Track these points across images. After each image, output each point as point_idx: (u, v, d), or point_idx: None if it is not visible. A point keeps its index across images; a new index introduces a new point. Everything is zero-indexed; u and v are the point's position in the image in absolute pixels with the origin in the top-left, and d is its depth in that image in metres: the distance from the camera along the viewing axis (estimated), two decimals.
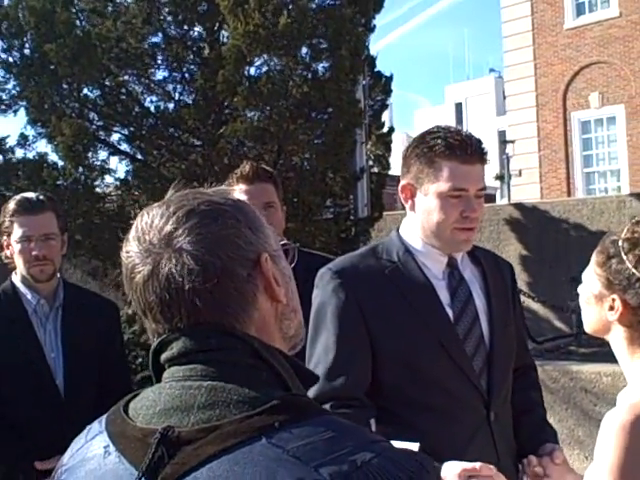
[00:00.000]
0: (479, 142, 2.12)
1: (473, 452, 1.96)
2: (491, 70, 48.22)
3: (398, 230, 2.20)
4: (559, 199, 13.94)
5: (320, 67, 7.69)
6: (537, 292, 8.85)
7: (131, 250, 1.13)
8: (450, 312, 2.10)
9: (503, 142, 22.27)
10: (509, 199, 20.72)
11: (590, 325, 1.77)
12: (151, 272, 1.10)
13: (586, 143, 19.45)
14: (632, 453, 1.49)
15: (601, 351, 7.33)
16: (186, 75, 8.43)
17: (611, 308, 1.70)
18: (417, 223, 2.13)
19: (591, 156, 19.56)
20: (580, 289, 1.78)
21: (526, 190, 19.19)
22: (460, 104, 52.05)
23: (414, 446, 1.68)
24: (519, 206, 10.30)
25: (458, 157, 2.04)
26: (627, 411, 1.54)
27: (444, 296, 2.11)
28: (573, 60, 19.02)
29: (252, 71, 7.65)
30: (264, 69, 7.59)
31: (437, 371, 2.03)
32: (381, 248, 2.17)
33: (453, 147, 2.05)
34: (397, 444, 1.69)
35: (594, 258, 1.74)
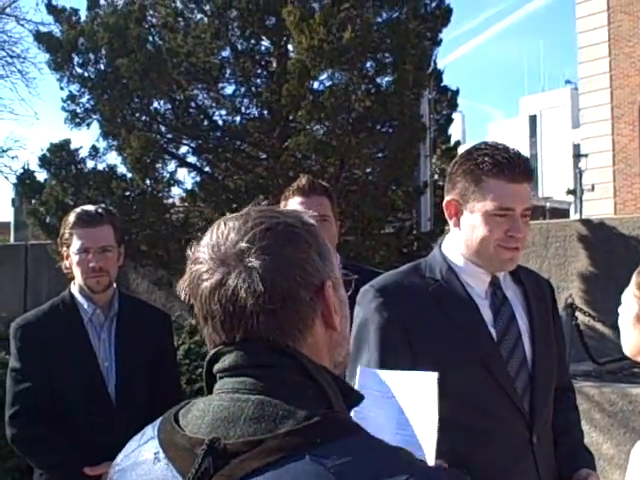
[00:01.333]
0: (526, 160, 2.10)
1: (516, 476, 1.96)
2: (567, 82, 47.26)
3: (441, 247, 2.19)
4: (630, 215, 13.58)
5: (384, 81, 7.70)
6: (604, 311, 8.65)
7: (202, 257, 1.17)
8: (493, 332, 2.08)
9: (577, 156, 21.78)
10: (581, 214, 20.28)
11: (630, 348, 1.76)
12: (220, 282, 1.14)
13: None
14: None
15: None
16: (253, 89, 8.55)
17: None
18: (461, 240, 2.11)
19: None
20: (620, 310, 1.76)
21: (599, 205, 18.77)
22: (534, 116, 51.26)
23: (433, 376, 1.70)
24: (587, 222, 10.08)
25: (505, 176, 2.02)
26: None
27: (487, 315, 2.09)
28: None
29: (316, 85, 7.72)
30: (328, 83, 7.63)
31: (479, 391, 2.00)
32: (424, 265, 2.15)
33: (501, 165, 2.03)
34: (413, 374, 1.72)
35: (634, 279, 1.72)
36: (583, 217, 14.87)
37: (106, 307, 3.16)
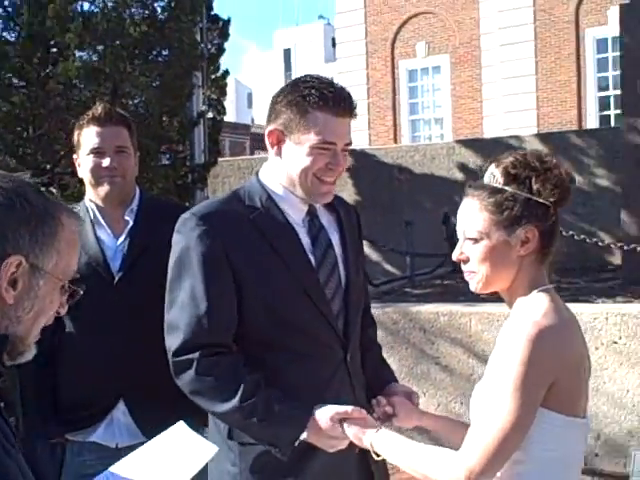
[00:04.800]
0: (350, 96, 2.13)
1: (332, 391, 2.05)
2: (320, 17, 48.38)
3: (258, 175, 2.20)
4: (392, 145, 14.37)
5: (159, 6, 7.38)
6: (369, 236, 9.15)
7: None
8: (312, 258, 2.14)
9: None
10: None
11: (495, 269, 1.77)
12: None
13: (412, 91, 20.13)
14: (537, 363, 1.63)
15: (434, 292, 7.75)
16: (10, 9, 7.83)
17: (524, 242, 1.75)
18: (281, 170, 2.13)
19: (417, 104, 20.29)
20: (474, 246, 1.78)
21: (355, 137, 19.66)
22: (289, 50, 52.07)
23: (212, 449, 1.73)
24: (351, 152, 10.51)
25: (331, 109, 2.04)
26: (532, 326, 1.65)
27: (306, 243, 2.15)
28: (402, 9, 19.50)
29: (86, 6, 7.22)
30: (100, 5, 7.17)
31: (299, 315, 2.07)
32: (243, 194, 2.16)
33: (327, 99, 2.03)
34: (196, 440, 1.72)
35: (482, 203, 1.76)
36: None
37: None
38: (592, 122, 17.41)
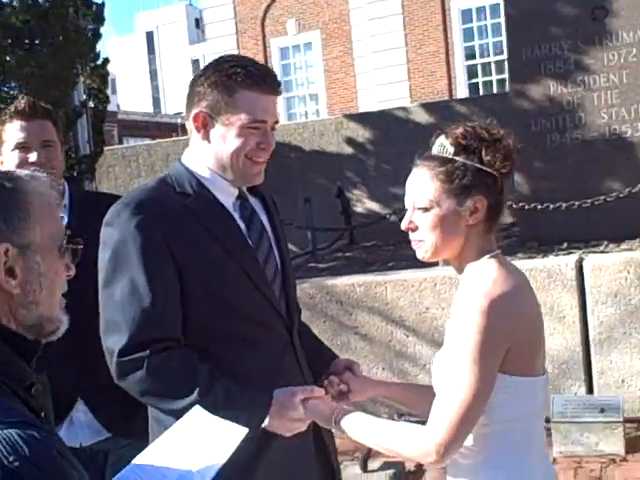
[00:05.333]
0: (275, 73, 2.12)
1: (283, 374, 2.04)
2: None
3: (182, 161, 2.13)
4: (279, 124, 14.35)
5: None
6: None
7: None
8: (249, 241, 2.11)
9: None
10: None
11: (444, 238, 1.81)
12: None
13: (285, 69, 20.18)
14: (491, 333, 1.68)
15: (338, 264, 7.88)
16: None
17: (473, 212, 1.80)
18: (209, 153, 2.07)
19: (291, 82, 20.37)
20: (424, 215, 1.81)
21: None
22: (151, 33, 50.87)
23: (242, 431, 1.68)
24: None
25: (259, 87, 2.00)
26: (483, 297, 1.70)
27: (241, 226, 2.12)
28: None
29: None
30: None
31: (243, 299, 2.03)
32: (170, 180, 2.09)
33: (254, 77, 2.00)
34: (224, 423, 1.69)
35: (432, 172, 1.80)
36: None
37: None
38: (462, 91, 18.02)
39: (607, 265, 4.74)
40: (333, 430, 1.97)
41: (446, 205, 1.79)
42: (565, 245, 5.95)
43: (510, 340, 1.71)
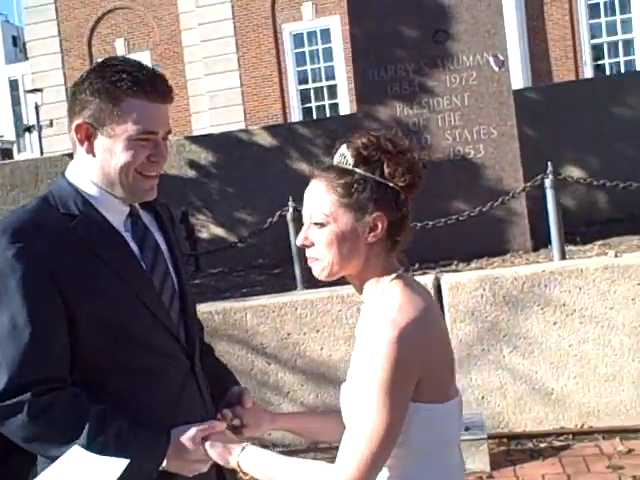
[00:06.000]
0: (166, 78, 1.93)
1: (184, 407, 1.89)
2: None
3: (65, 176, 1.92)
4: None
5: None
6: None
7: None
8: (143, 264, 1.93)
9: (31, 91, 21.11)
10: (41, 152, 19.90)
11: (341, 256, 1.67)
12: None
13: None
14: (401, 364, 1.57)
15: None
16: None
17: (372, 229, 1.67)
18: (94, 168, 1.88)
19: None
20: (320, 231, 1.68)
21: (59, 141, 18.60)
22: None
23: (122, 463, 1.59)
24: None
25: (148, 95, 1.83)
26: (391, 326, 1.58)
27: (134, 248, 1.93)
28: (96, 5, 18.80)
29: None
30: None
31: (138, 328, 1.86)
32: (53, 200, 1.87)
33: (143, 84, 1.83)
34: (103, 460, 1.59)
35: (330, 185, 1.66)
36: (45, 154, 14.53)
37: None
38: (295, 115, 18.19)
39: (464, 283, 4.81)
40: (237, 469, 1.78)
41: (343, 221, 1.65)
42: (417, 265, 6.01)
43: (421, 369, 1.61)
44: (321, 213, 1.65)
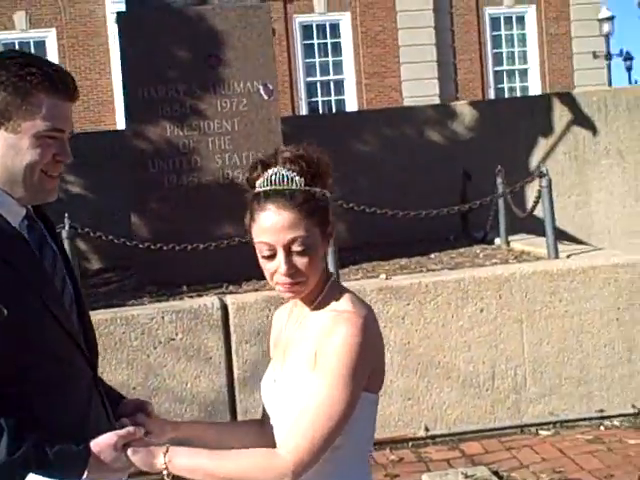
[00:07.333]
0: (72, 76, 1.89)
1: (92, 416, 1.86)
2: None
3: None
4: None
5: None
6: None
7: None
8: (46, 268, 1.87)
9: None
10: None
11: (317, 271, 1.76)
12: None
13: None
14: (364, 353, 1.67)
15: None
16: None
17: (330, 237, 1.80)
18: None
19: None
20: (299, 256, 1.74)
21: None
22: None
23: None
24: None
25: (59, 92, 1.80)
26: (351, 319, 1.70)
27: (35, 252, 1.86)
28: None
29: None
30: None
31: (45, 335, 1.79)
32: None
33: (53, 80, 1.78)
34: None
35: (294, 210, 1.71)
36: None
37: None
38: None
39: (250, 304, 4.89)
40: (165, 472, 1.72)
41: (315, 238, 1.75)
42: (185, 288, 5.96)
43: (375, 359, 1.75)
44: (300, 241, 1.72)
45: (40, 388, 1.75)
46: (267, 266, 1.76)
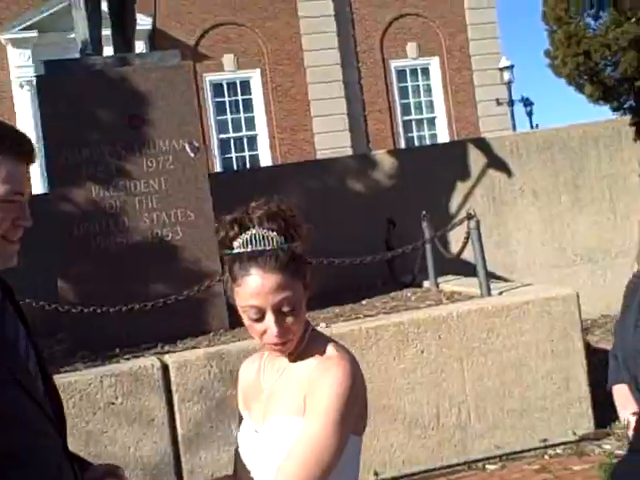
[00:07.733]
0: (29, 138, 1.84)
1: None
2: None
3: None
4: None
5: None
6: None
7: None
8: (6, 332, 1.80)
9: None
10: None
11: (301, 326, 1.79)
12: None
13: None
14: (352, 396, 1.70)
15: None
16: None
17: (308, 289, 1.80)
18: None
19: None
20: (289, 316, 1.76)
21: None
22: None
23: None
24: None
25: (16, 153, 1.76)
26: (340, 363, 1.73)
27: None
28: None
29: None
30: None
31: (11, 405, 1.71)
32: None
33: (12, 141, 1.76)
34: None
35: (280, 270, 1.73)
36: None
37: None
38: None
39: (192, 361, 4.82)
40: None
41: (299, 293, 1.77)
42: (118, 351, 5.83)
43: (361, 402, 1.77)
44: (288, 301, 1.73)
45: (10, 460, 1.67)
46: (255, 327, 1.76)
